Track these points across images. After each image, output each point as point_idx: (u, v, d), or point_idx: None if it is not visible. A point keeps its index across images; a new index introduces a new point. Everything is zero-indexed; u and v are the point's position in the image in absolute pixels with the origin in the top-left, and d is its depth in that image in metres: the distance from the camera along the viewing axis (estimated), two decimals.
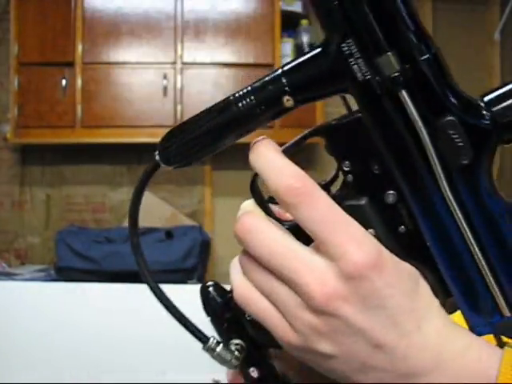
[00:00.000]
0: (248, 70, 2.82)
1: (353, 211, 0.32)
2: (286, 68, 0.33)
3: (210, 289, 0.40)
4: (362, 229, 0.32)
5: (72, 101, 2.77)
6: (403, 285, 0.32)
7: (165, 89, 2.80)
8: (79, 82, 2.78)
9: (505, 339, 0.36)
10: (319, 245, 0.32)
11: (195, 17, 2.86)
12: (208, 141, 0.34)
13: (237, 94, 0.33)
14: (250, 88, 0.33)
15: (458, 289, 0.34)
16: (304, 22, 3.04)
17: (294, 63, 0.32)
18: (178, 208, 3.07)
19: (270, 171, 0.32)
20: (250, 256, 0.33)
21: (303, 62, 0.32)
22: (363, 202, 0.34)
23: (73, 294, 2.16)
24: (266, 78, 0.32)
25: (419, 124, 0.30)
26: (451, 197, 0.31)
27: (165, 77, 2.81)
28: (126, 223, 2.96)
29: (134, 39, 2.83)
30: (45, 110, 2.77)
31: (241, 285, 0.34)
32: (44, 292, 2.18)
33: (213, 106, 0.34)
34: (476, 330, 0.34)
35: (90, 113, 2.79)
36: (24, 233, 3.08)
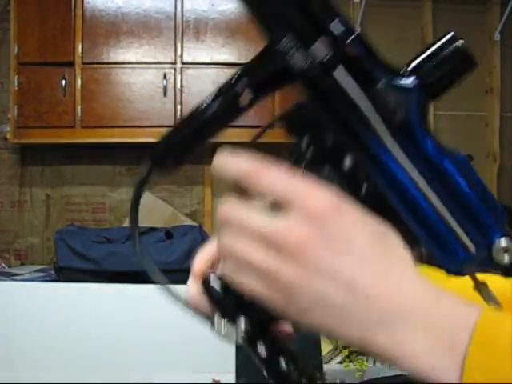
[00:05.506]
0: None
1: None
2: (244, 68, 0.38)
3: (211, 279, 0.42)
4: (319, 183, 0.34)
5: (72, 101, 2.77)
6: (368, 227, 0.34)
7: (165, 89, 2.80)
8: (79, 82, 2.78)
9: (481, 277, 0.38)
10: (283, 204, 0.34)
11: (195, 17, 2.86)
12: (199, 136, 0.41)
13: (211, 96, 0.40)
14: (219, 87, 0.39)
15: (425, 234, 0.36)
16: None
17: (249, 64, 0.38)
18: (178, 208, 3.07)
19: (225, 167, 0.36)
20: (232, 235, 0.35)
21: (256, 62, 0.38)
22: (326, 171, 0.37)
23: (73, 293, 2.16)
24: (230, 79, 0.38)
25: (358, 91, 0.34)
26: (399, 150, 0.35)
27: (165, 77, 2.81)
28: (126, 223, 2.96)
29: (134, 39, 2.83)
30: (45, 110, 2.77)
31: (230, 269, 0.36)
32: (44, 292, 2.18)
33: (197, 108, 0.41)
34: (446, 267, 0.37)
35: (89, 113, 2.78)
36: (24, 233, 3.08)
